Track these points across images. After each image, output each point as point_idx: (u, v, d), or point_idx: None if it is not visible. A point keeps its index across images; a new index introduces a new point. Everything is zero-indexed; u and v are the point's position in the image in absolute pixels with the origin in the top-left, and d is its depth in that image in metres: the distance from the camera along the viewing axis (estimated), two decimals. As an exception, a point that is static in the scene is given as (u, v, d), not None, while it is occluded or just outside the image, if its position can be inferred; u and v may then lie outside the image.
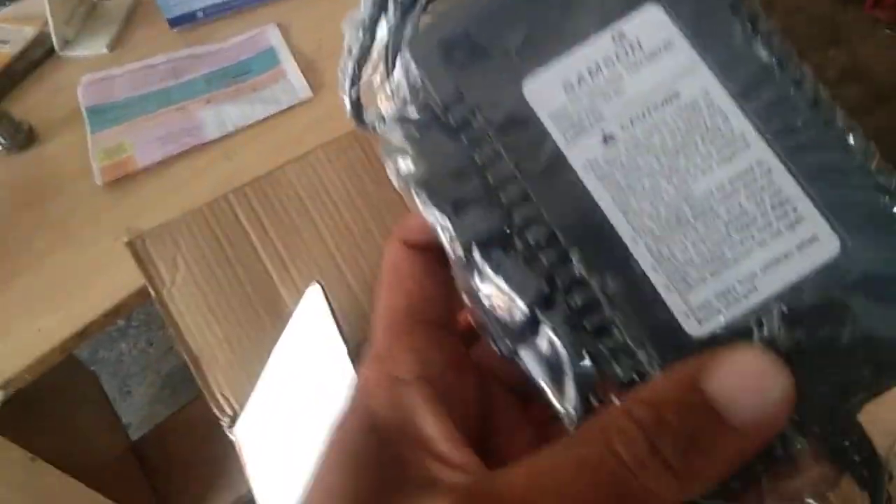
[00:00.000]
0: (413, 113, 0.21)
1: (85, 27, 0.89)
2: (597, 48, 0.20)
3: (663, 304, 0.18)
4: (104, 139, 0.74)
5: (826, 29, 1.64)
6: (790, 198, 0.18)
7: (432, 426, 0.19)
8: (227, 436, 0.52)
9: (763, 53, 0.19)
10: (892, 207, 0.18)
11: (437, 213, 0.20)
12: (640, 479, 0.16)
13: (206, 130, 0.74)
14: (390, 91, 0.22)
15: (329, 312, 0.46)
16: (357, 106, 0.23)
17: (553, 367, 0.19)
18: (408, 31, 0.21)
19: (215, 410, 0.52)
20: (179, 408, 1.17)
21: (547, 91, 0.20)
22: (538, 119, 0.20)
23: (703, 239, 0.19)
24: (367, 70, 0.22)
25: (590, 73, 0.20)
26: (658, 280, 0.18)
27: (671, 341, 0.18)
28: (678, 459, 0.16)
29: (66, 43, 0.87)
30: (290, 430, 0.47)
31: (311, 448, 0.45)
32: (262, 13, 0.87)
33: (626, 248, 0.19)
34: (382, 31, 0.22)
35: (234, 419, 0.52)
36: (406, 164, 0.20)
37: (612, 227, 0.19)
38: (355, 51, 0.22)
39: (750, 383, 0.17)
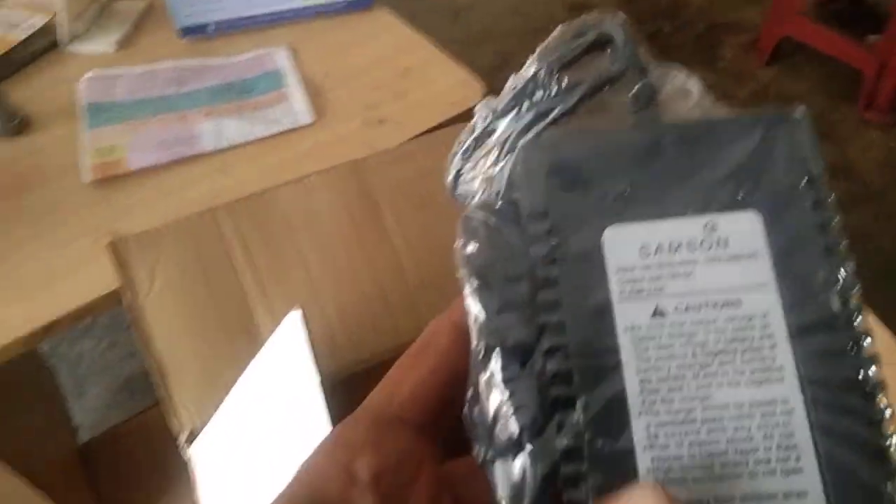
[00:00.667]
0: (501, 205, 0.22)
1: (95, 24, 0.89)
2: (687, 228, 0.20)
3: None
4: (99, 137, 0.74)
5: (820, 125, 1.70)
6: (798, 446, 0.18)
7: None
8: (179, 452, 0.51)
9: (836, 303, 0.19)
10: (890, 497, 0.18)
11: (479, 303, 0.21)
12: None
13: (203, 142, 0.73)
14: (490, 178, 0.23)
15: (306, 341, 0.46)
16: (457, 176, 0.24)
17: (517, 494, 0.19)
18: (530, 134, 0.23)
19: (175, 425, 0.51)
20: (135, 413, 1.15)
21: (624, 245, 0.20)
22: (604, 266, 0.20)
23: (701, 444, 0.19)
24: (480, 151, 0.24)
25: (670, 247, 0.20)
26: (643, 461, 0.19)
27: None
28: None
29: (74, 38, 0.87)
30: (249, 457, 0.46)
31: (267, 478, 0.44)
32: (274, 34, 0.88)
33: (628, 418, 0.19)
34: (509, 125, 0.23)
35: (192, 437, 0.51)
36: (473, 248, 0.22)
37: (625, 392, 0.19)
38: (478, 130, 0.24)
39: None
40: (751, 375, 0.19)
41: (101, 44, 0.87)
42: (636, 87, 0.24)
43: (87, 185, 0.71)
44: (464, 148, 0.24)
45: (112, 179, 0.71)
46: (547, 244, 0.21)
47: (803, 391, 0.19)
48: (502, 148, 0.23)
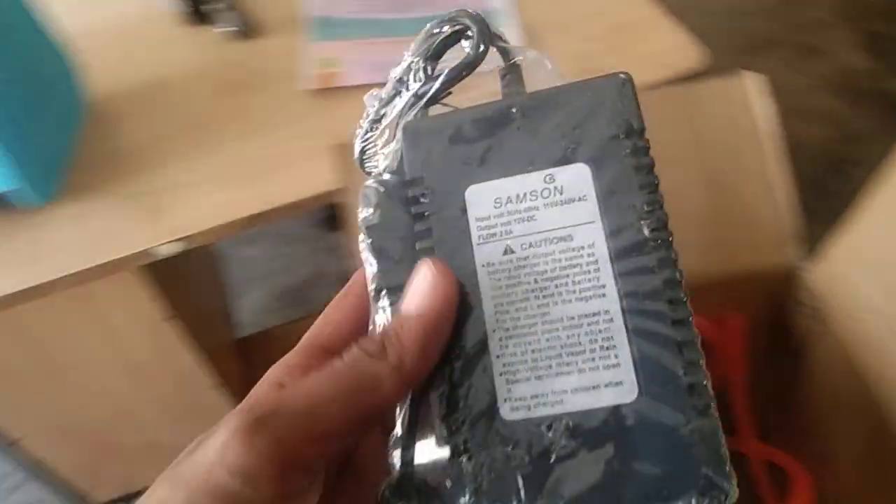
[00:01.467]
0: (388, 177, 0.27)
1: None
2: (530, 181, 0.25)
3: (492, 384, 0.23)
4: (322, 49, 0.78)
5: None
6: (617, 346, 0.23)
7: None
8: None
9: (646, 230, 0.24)
10: (686, 380, 0.22)
11: (370, 255, 0.26)
12: (353, 366, 0.23)
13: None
14: (385, 155, 0.28)
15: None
16: (361, 155, 0.29)
17: None
18: (409, 115, 0.28)
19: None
20: (289, 321, 1.22)
21: (482, 199, 0.26)
22: (467, 218, 0.25)
23: (540, 349, 0.24)
24: (375, 133, 0.29)
25: (518, 197, 0.25)
26: (497, 365, 0.24)
27: (487, 417, 0.23)
28: (375, 346, 0.23)
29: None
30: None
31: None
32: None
33: (485, 334, 0.24)
34: (396, 108, 0.28)
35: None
36: (366, 213, 0.27)
37: (482, 312, 0.24)
38: (371, 116, 0.29)
39: (415, 281, 0.24)
40: (580, 294, 0.24)
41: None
42: (503, 66, 0.29)
43: (304, 92, 0.75)
44: (362, 133, 0.29)
45: (328, 90, 0.75)
46: (422, 204, 0.26)
47: (621, 302, 0.23)
48: (391, 130, 0.28)
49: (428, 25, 0.29)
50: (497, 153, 0.26)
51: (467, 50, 0.28)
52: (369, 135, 0.29)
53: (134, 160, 0.71)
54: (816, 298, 0.56)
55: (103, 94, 0.78)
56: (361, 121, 0.29)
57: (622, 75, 0.26)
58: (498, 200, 0.25)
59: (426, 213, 0.26)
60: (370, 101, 0.29)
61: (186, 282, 0.93)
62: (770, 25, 1.80)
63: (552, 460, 0.22)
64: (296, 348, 0.26)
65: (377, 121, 0.29)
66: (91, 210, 0.67)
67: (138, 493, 1.09)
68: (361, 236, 0.27)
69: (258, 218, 0.65)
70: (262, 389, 0.24)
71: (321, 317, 0.28)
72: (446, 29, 0.28)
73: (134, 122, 0.75)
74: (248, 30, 0.83)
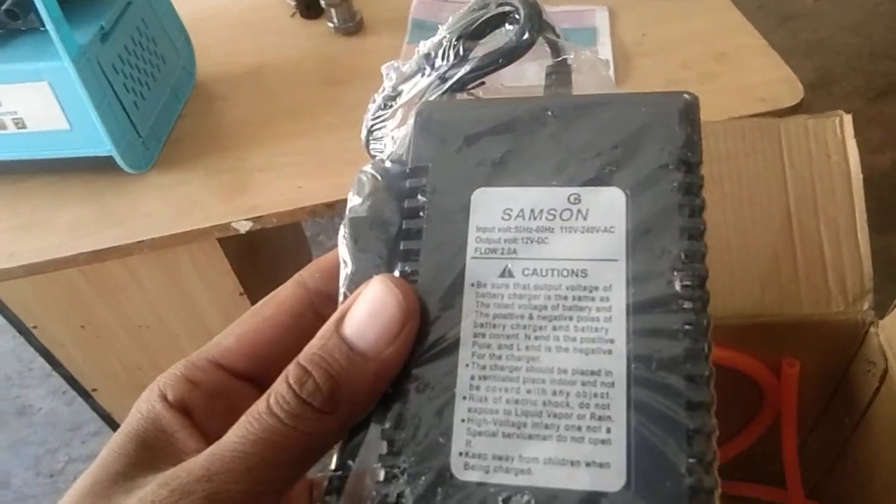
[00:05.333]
0: (390, 165, 0.23)
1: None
2: (552, 197, 0.21)
3: (450, 430, 0.19)
4: (413, 52, 0.80)
5: None
6: (612, 418, 0.18)
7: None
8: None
9: (678, 284, 0.19)
10: (688, 482, 0.17)
11: (346, 252, 0.22)
12: (296, 427, 0.18)
13: (500, 79, 0.76)
14: (395, 138, 0.24)
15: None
16: (369, 134, 0.26)
17: None
18: (428, 97, 0.24)
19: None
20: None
21: (489, 207, 0.21)
22: (467, 225, 0.21)
23: (518, 401, 0.19)
24: (387, 111, 0.25)
25: (532, 212, 0.21)
26: (460, 408, 0.19)
27: (434, 469, 0.19)
28: (322, 399, 0.18)
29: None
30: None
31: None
32: (600, -7, 0.88)
33: (455, 366, 0.20)
34: (411, 88, 0.25)
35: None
36: (355, 201, 0.23)
37: (458, 341, 0.20)
38: (386, 92, 0.25)
39: (373, 308, 0.19)
40: (580, 344, 0.19)
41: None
42: (551, 63, 0.25)
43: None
44: (374, 108, 0.25)
45: (417, 92, 0.77)
46: (418, 199, 0.22)
47: (629, 366, 0.19)
48: (406, 111, 0.24)
49: (473, 1, 0.25)
50: (519, 157, 0.22)
51: (510, 35, 0.24)
52: (381, 113, 0.25)
53: (228, 139, 0.75)
54: (882, 357, 0.53)
55: (212, 74, 0.83)
56: (375, 94, 0.26)
57: (686, 95, 0.22)
58: (508, 212, 0.21)
59: (421, 210, 0.22)
60: (389, 73, 0.26)
61: (268, 262, 0.97)
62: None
63: None
64: (182, 363, 0.22)
65: (392, 98, 0.25)
66: (182, 181, 0.72)
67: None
68: (343, 229, 0.23)
69: (328, 207, 0.67)
70: (145, 406, 0.21)
71: (225, 330, 0.23)
72: (492, 7, 0.24)
73: (235, 104, 0.80)
74: (355, 27, 0.86)
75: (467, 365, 0.20)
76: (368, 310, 0.20)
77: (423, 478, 0.19)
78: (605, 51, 0.79)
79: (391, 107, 0.25)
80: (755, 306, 0.54)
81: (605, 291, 0.20)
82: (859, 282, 0.54)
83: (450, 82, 0.24)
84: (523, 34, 0.24)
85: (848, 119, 0.56)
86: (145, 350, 0.89)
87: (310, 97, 0.80)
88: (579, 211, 0.21)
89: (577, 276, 0.20)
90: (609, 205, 0.21)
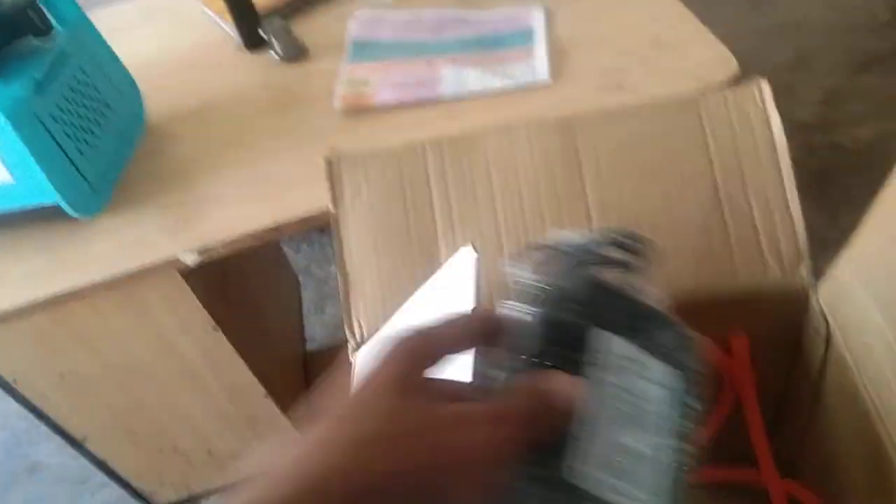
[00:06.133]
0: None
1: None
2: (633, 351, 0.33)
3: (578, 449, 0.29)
4: (355, 71, 0.81)
5: None
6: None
7: None
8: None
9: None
10: None
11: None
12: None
13: (443, 87, 0.77)
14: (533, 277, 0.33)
15: (474, 275, 0.47)
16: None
17: None
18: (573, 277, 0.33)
19: (347, 332, 0.55)
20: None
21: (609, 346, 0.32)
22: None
23: (637, 456, 0.30)
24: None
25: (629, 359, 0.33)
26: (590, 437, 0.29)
27: (551, 471, 0.28)
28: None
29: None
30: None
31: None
32: (536, -6, 0.88)
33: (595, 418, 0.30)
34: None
35: (359, 345, 0.54)
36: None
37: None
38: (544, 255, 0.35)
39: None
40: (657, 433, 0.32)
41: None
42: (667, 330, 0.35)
43: (337, 112, 0.78)
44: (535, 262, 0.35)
45: (358, 110, 0.77)
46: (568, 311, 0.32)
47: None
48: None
49: (603, 235, 0.35)
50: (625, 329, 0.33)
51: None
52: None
53: (178, 176, 0.77)
54: (824, 321, 0.52)
55: (163, 115, 0.85)
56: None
57: (696, 337, 0.35)
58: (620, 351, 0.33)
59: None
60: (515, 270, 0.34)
61: (241, 293, 0.98)
62: (880, 44, 1.68)
63: None
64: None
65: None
66: (133, 221, 0.73)
67: (198, 497, 1.14)
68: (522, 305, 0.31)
69: (270, 232, 0.68)
70: None
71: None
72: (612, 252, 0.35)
73: (185, 141, 0.81)
74: (299, 54, 0.87)
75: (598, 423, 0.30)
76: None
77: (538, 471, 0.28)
78: (540, 49, 0.79)
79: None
80: (690, 282, 0.54)
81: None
82: (794, 248, 0.53)
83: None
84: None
85: (766, 87, 0.55)
86: (129, 393, 0.90)
87: (253, 127, 0.81)
88: (642, 367, 0.33)
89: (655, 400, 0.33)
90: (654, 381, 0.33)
